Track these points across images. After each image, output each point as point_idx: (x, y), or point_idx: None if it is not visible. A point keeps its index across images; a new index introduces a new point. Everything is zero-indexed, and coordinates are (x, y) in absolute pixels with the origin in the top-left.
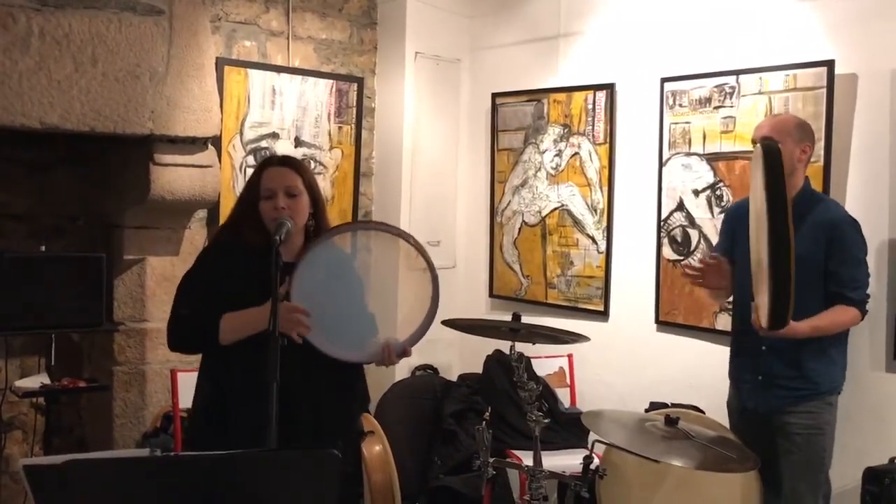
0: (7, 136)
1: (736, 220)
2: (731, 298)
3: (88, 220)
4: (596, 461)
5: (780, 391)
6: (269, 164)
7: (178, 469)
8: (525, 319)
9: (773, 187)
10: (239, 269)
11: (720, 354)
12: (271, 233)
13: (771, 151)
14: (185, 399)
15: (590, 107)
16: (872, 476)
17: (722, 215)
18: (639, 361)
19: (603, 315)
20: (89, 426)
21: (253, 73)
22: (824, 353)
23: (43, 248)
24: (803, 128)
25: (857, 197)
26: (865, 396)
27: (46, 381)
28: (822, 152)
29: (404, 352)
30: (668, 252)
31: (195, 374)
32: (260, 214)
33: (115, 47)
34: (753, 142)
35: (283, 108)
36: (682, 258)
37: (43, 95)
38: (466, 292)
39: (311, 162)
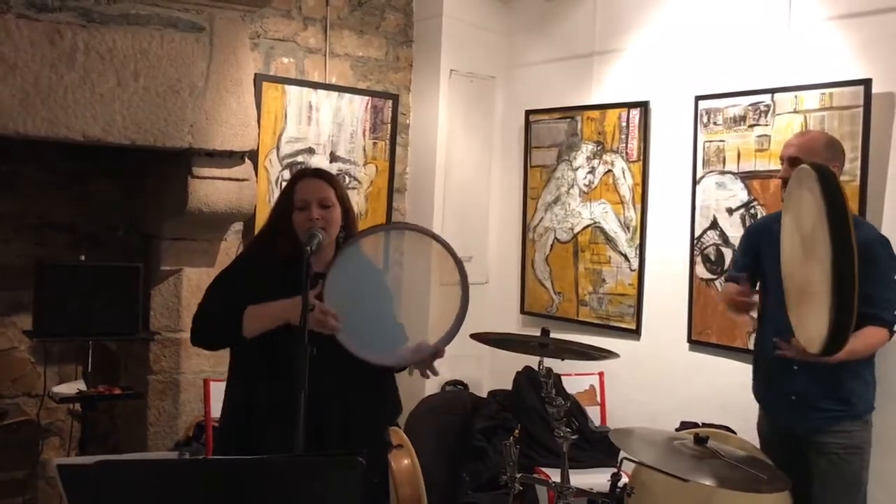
0: (51, 148)
1: (761, 236)
2: (754, 314)
3: (127, 231)
4: (624, 479)
5: (816, 412)
6: (303, 175)
7: (205, 472)
8: (556, 336)
9: (835, 215)
10: (270, 279)
11: None
12: (303, 243)
13: (828, 176)
14: (218, 409)
15: (624, 124)
16: None
17: None
18: (670, 381)
19: (635, 333)
20: (124, 434)
21: (290, 89)
22: (857, 373)
23: (82, 257)
24: (833, 146)
25: (893, 218)
26: None
27: (83, 387)
28: (858, 172)
29: (437, 353)
30: (701, 271)
31: None
32: (293, 225)
33: (157, 62)
34: (781, 159)
35: (319, 123)
36: (715, 277)
37: (86, 108)
38: (497, 308)
39: (346, 177)
